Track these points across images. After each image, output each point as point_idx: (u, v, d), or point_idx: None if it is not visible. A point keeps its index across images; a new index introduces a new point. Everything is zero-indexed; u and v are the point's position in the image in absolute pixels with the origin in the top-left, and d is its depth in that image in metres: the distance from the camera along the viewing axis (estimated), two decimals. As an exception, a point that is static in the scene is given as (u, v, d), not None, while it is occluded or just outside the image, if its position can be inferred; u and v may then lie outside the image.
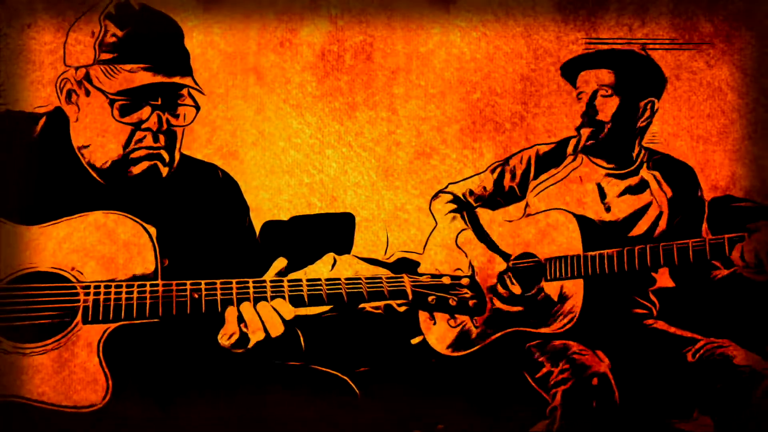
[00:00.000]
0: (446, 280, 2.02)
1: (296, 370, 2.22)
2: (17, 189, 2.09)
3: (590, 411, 2.27)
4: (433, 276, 2.03)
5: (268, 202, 2.37)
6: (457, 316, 2.01)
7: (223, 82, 2.36)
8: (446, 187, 2.41)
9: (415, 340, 2.43)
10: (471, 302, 2.01)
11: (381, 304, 2.44)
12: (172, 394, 2.15)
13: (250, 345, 1.96)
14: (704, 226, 2.36)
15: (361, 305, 2.44)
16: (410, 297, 2.01)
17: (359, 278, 2.02)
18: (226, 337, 1.96)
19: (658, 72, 2.36)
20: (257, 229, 2.35)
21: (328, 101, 2.39)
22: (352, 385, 2.20)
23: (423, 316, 2.44)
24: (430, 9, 2.38)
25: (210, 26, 2.35)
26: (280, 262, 2.02)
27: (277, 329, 1.95)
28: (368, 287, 2.01)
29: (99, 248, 2.00)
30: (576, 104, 2.37)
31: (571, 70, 2.37)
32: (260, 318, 1.94)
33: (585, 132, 2.35)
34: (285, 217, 2.39)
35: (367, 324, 2.42)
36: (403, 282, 2.02)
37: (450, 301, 2.01)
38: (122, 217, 2.01)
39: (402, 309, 2.45)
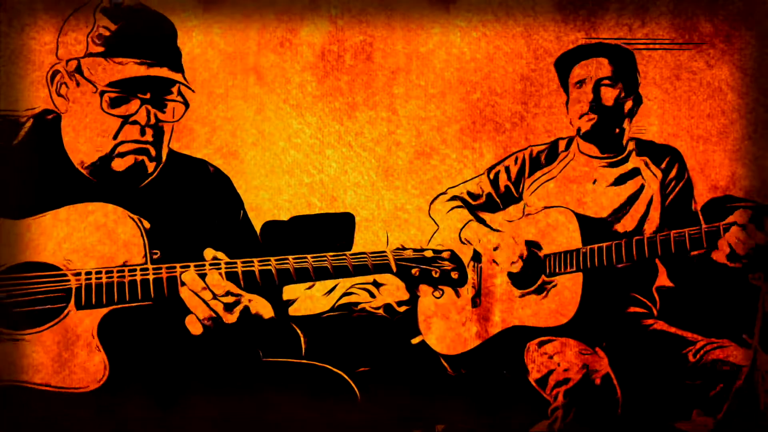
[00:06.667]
0: (428, 254, 2.07)
1: (296, 370, 2.22)
2: (7, 188, 2.10)
3: (591, 411, 2.27)
4: (415, 250, 2.08)
5: (268, 202, 2.37)
6: (440, 287, 2.05)
7: (223, 82, 2.36)
8: (445, 191, 2.42)
9: (415, 340, 2.43)
10: (453, 273, 2.06)
11: (380, 303, 2.45)
12: (171, 393, 2.15)
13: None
14: (694, 205, 2.36)
15: (361, 305, 2.45)
16: (395, 270, 2.05)
17: (344, 253, 2.04)
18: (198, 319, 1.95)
19: (635, 68, 2.37)
20: (258, 230, 2.35)
21: (328, 101, 2.39)
22: (353, 385, 2.20)
23: (422, 316, 2.44)
24: (430, 9, 2.38)
25: (210, 26, 2.35)
26: (209, 253, 2.02)
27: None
28: (353, 261, 2.04)
29: (99, 248, 2.00)
30: (572, 89, 2.38)
31: (565, 65, 2.38)
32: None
33: (590, 118, 2.36)
34: (285, 217, 2.39)
35: (367, 324, 2.42)
36: (386, 257, 2.05)
37: (433, 273, 2.06)
38: (122, 217, 2.01)
39: (402, 309, 2.46)
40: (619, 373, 2.28)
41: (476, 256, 2.42)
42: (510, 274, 2.38)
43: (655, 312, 2.39)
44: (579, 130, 2.38)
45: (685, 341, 2.33)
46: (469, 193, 2.43)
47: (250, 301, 1.99)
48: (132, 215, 2.02)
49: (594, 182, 2.39)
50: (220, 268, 1.98)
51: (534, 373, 2.34)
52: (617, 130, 2.37)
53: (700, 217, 2.36)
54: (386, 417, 2.28)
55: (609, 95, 2.35)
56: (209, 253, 2.01)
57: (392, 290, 2.45)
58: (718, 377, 2.27)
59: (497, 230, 2.42)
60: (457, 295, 2.13)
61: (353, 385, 2.20)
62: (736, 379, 2.26)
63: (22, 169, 2.09)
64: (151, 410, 2.14)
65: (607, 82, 2.34)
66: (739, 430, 2.26)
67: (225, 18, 2.35)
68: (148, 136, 2.07)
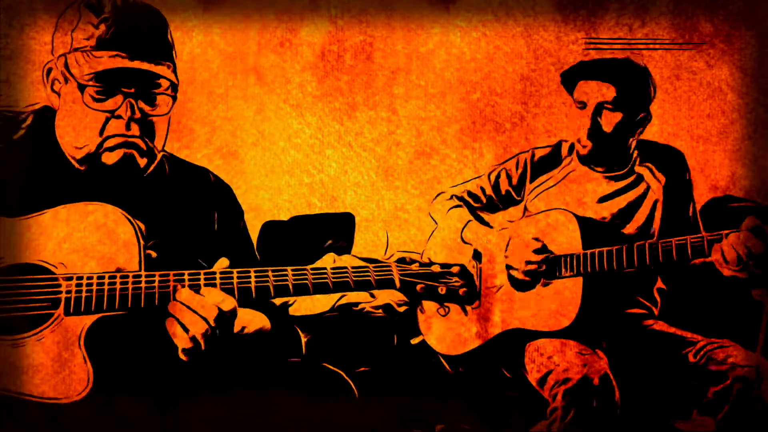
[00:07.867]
0: (436, 269, 1.96)
1: (296, 370, 2.21)
2: (6, 185, 2.10)
3: (590, 411, 2.27)
4: (422, 264, 1.97)
5: (268, 202, 2.37)
6: (447, 304, 1.97)
7: (223, 82, 2.36)
8: (445, 191, 2.42)
9: (415, 340, 2.43)
10: (461, 290, 1.96)
11: (380, 303, 2.45)
12: (171, 393, 2.15)
13: (190, 335, 1.88)
14: (691, 208, 2.36)
15: (361, 305, 2.45)
16: (398, 285, 1.95)
17: (345, 267, 1.98)
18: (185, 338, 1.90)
19: (651, 83, 2.36)
20: (258, 230, 2.35)
21: (328, 101, 2.39)
22: (352, 385, 2.20)
23: (422, 316, 2.44)
24: (430, 9, 2.38)
25: (210, 26, 2.35)
26: (223, 262, 1.99)
27: (209, 314, 1.88)
28: (355, 276, 1.96)
29: (99, 248, 2.00)
30: (574, 107, 2.37)
31: (570, 78, 2.37)
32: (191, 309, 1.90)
33: (587, 144, 2.35)
34: (285, 217, 2.39)
35: (367, 324, 2.42)
36: (390, 271, 1.97)
37: (439, 290, 1.95)
38: (122, 217, 2.01)
39: (402, 309, 2.46)
40: (618, 374, 2.28)
41: (476, 255, 2.42)
42: (510, 276, 2.38)
43: (655, 312, 2.39)
44: (576, 151, 2.37)
45: (685, 341, 2.33)
46: (469, 194, 2.43)
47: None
48: (129, 216, 2.01)
49: (599, 199, 2.38)
50: (214, 283, 1.93)
51: (534, 373, 2.34)
52: (621, 150, 2.36)
53: (699, 220, 2.35)
54: (386, 417, 2.28)
55: (610, 120, 2.33)
56: (223, 262, 1.99)
57: (392, 290, 2.44)
58: (718, 377, 2.27)
59: (502, 228, 2.41)
60: (465, 313, 2.03)
61: (353, 385, 2.20)
62: (736, 379, 2.26)
63: (22, 166, 2.09)
64: (150, 410, 2.14)
65: (609, 106, 2.33)
66: (739, 430, 2.25)
67: (225, 18, 2.35)
68: (135, 130, 2.04)
